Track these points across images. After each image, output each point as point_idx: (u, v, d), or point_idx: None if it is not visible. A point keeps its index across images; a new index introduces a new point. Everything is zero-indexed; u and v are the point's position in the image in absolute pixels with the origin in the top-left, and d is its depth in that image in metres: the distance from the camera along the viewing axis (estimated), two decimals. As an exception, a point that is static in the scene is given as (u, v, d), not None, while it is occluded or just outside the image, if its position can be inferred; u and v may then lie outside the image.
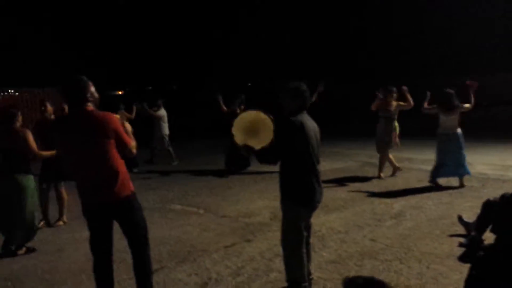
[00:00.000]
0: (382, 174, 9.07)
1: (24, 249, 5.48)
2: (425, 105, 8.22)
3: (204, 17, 26.79)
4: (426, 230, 5.78)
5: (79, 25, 23.17)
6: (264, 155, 3.79)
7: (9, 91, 14.57)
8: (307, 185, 3.79)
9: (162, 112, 11.94)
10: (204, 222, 6.57)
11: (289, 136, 3.71)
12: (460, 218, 5.72)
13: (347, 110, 21.65)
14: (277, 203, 7.03)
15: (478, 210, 5.35)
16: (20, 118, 5.57)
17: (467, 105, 7.94)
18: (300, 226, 3.84)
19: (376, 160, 9.40)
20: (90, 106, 3.57)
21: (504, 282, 3.08)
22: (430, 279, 4.33)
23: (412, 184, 8.38)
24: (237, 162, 10.40)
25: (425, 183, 8.40)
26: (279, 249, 4.95)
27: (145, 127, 11.84)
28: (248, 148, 3.79)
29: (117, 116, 3.80)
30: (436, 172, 8.14)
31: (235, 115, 9.91)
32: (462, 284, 3.63)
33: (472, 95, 8.00)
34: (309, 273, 4.08)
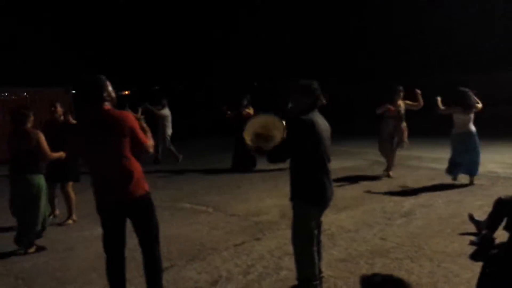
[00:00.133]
0: (391, 173, 9.03)
1: (34, 247, 5.51)
2: (440, 106, 8.02)
3: (205, 17, 26.77)
4: (436, 228, 5.74)
5: (82, 25, 23.22)
6: (274, 155, 3.78)
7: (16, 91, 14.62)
8: (318, 183, 3.77)
9: (166, 112, 11.96)
10: (213, 220, 6.57)
11: (300, 134, 3.69)
12: (470, 217, 5.68)
13: (350, 109, 21.59)
14: (286, 202, 7.03)
15: (488, 209, 5.35)
16: (31, 119, 5.61)
17: (479, 104, 7.89)
18: (311, 224, 3.82)
19: (385, 159, 9.34)
20: (107, 105, 3.59)
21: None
22: (441, 278, 4.29)
23: (422, 183, 8.33)
24: (245, 162, 10.42)
25: (435, 181, 8.36)
26: (289, 248, 4.95)
27: (149, 127, 11.85)
28: (259, 150, 3.79)
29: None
30: (450, 170, 8.09)
31: (241, 116, 10.05)
32: (473, 282, 3.60)
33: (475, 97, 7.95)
34: (320, 271, 4.07)
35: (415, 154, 11.29)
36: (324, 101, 3.92)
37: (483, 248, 4.87)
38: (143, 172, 3.73)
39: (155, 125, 11.97)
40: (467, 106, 7.77)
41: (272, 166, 10.11)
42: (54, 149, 5.73)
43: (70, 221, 6.69)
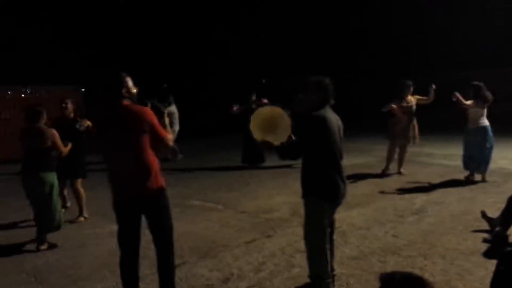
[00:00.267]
0: (402, 170, 8.98)
1: (46, 244, 5.54)
2: (463, 101, 7.77)
3: (207, 16, 26.74)
4: (449, 225, 5.70)
5: (88, 24, 23.25)
6: (285, 151, 3.76)
7: (27, 89, 14.69)
8: (330, 180, 3.74)
9: (173, 109, 11.99)
10: (223, 218, 6.57)
11: (312, 131, 3.66)
12: (483, 214, 5.63)
13: (356, 106, 21.53)
14: (296, 199, 7.02)
15: (501, 206, 5.31)
16: (45, 116, 5.64)
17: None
18: (323, 222, 3.79)
19: (395, 156, 9.28)
20: (126, 101, 3.59)
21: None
22: (455, 276, 4.26)
23: (433, 180, 8.28)
24: (253, 158, 10.43)
25: (446, 178, 8.32)
26: (300, 245, 4.94)
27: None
28: (267, 144, 3.77)
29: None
30: (466, 165, 8.04)
31: (251, 111, 10.06)
32: (487, 280, 3.57)
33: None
34: (332, 269, 4.05)
35: (426, 151, 11.23)
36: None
37: (496, 246, 4.85)
38: (160, 169, 3.73)
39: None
40: (485, 99, 7.69)
41: (281, 163, 10.13)
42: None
43: (81, 219, 6.72)
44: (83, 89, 14.96)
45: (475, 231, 5.45)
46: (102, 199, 7.70)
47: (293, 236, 5.52)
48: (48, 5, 22.75)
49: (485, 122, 7.81)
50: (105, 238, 5.82)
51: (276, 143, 3.74)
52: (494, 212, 5.54)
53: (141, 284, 3.92)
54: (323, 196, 3.76)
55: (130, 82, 3.66)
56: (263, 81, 25.75)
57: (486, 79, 8.64)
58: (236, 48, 27.29)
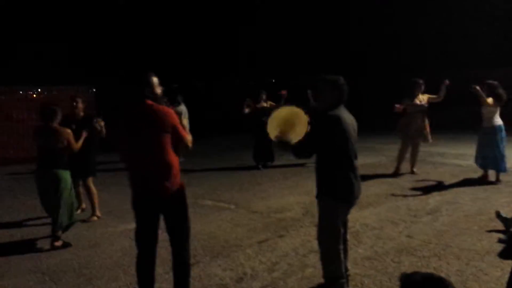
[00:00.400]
0: (415, 169, 8.91)
1: (60, 241, 5.57)
2: (483, 94, 7.54)
3: (215, 16, 26.78)
4: (463, 226, 5.65)
5: (97, 24, 23.35)
6: (300, 150, 3.74)
7: (38, 89, 14.78)
8: (345, 180, 3.72)
9: (182, 108, 12.00)
10: (236, 217, 6.56)
11: (327, 130, 3.64)
12: (498, 214, 5.58)
13: (366, 105, 21.47)
14: (308, 198, 7.03)
15: (517, 206, 5.24)
16: (60, 116, 5.69)
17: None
18: (338, 222, 3.77)
19: (407, 155, 9.21)
20: (150, 101, 3.60)
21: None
22: (470, 276, 4.22)
23: (446, 179, 8.22)
24: (262, 157, 10.42)
25: (459, 178, 8.25)
26: (313, 245, 4.93)
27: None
28: (283, 144, 3.76)
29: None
30: (479, 162, 7.97)
31: (257, 110, 10.08)
32: (503, 281, 3.54)
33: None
34: (346, 269, 4.02)
35: (439, 150, 11.15)
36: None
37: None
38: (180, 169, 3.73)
39: None
40: (500, 98, 7.61)
41: (293, 162, 10.11)
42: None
43: (94, 218, 6.75)
44: (94, 89, 15.02)
45: (490, 231, 5.40)
46: (115, 199, 7.77)
47: (306, 236, 5.51)
48: (60, 4, 22.84)
49: (499, 121, 7.74)
50: (118, 237, 5.84)
51: (293, 141, 3.73)
52: (509, 212, 5.49)
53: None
54: (338, 196, 3.73)
55: (155, 82, 3.67)
56: (273, 80, 25.71)
57: (500, 78, 8.55)
58: (245, 47, 27.29)
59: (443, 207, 6.48)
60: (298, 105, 3.97)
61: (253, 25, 26.66)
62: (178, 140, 3.64)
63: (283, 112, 3.97)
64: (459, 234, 5.34)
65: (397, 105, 8.53)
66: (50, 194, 5.55)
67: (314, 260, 4.65)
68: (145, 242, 3.71)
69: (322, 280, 4.00)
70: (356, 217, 6.06)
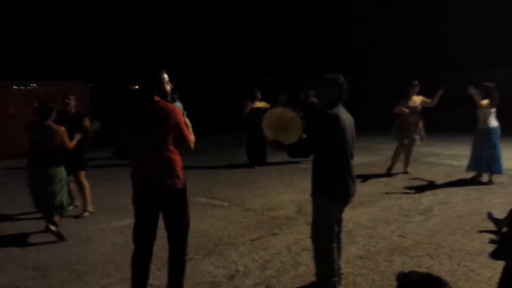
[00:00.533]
0: (408, 169, 8.94)
1: (55, 227, 5.59)
2: (478, 97, 7.60)
3: (215, 14, 26.75)
4: (455, 226, 5.67)
5: (96, 21, 23.26)
6: (297, 149, 3.75)
7: (32, 85, 14.69)
8: (341, 180, 3.72)
9: (178, 105, 11.98)
10: (229, 215, 6.55)
11: (325, 129, 3.64)
12: (489, 215, 5.60)
13: (362, 105, 21.51)
14: (302, 197, 7.03)
15: (508, 206, 5.27)
16: (55, 113, 5.68)
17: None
18: (332, 221, 3.78)
19: (401, 155, 9.23)
20: (157, 97, 3.58)
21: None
22: (462, 276, 4.24)
23: (439, 179, 8.24)
24: (255, 156, 10.40)
25: (452, 178, 8.28)
26: (306, 243, 4.94)
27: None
28: (278, 143, 3.77)
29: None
30: (471, 166, 8.00)
31: (258, 110, 10.04)
32: (494, 281, 3.55)
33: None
34: (339, 268, 4.03)
35: (433, 151, 11.18)
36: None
37: (503, 247, 4.81)
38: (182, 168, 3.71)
39: None
40: (495, 100, 7.64)
41: (287, 160, 10.10)
42: None
43: (86, 213, 6.71)
44: (90, 85, 14.97)
45: (482, 231, 5.42)
46: (108, 196, 7.75)
47: (299, 234, 5.51)
48: (60, 4, 22.73)
49: (495, 122, 7.77)
50: (111, 234, 5.83)
51: (287, 143, 3.74)
52: (501, 213, 5.51)
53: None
54: (333, 195, 3.74)
55: (165, 79, 3.66)
56: (270, 79, 25.68)
57: (497, 80, 8.59)
58: (245, 47, 27.26)
59: (436, 207, 6.51)
60: (293, 109, 3.97)
61: (253, 25, 26.64)
62: (180, 140, 3.62)
63: (278, 113, 3.97)
64: (451, 234, 5.36)
65: (402, 108, 8.53)
66: (44, 190, 5.54)
67: (307, 258, 4.66)
68: (143, 238, 3.70)
69: (314, 278, 4.01)
70: (349, 216, 6.05)
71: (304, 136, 3.79)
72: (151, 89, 3.59)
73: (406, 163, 8.99)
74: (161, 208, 3.67)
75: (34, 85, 14.43)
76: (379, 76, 22.38)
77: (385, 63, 23.70)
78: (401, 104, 8.58)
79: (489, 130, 7.73)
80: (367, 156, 10.91)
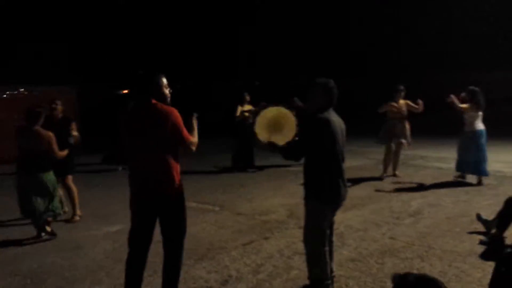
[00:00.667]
0: (397, 172, 9.00)
1: (48, 229, 5.64)
2: (459, 105, 7.82)
3: (212, 17, 26.71)
4: (445, 228, 5.72)
5: (91, 23, 23.08)
6: (289, 152, 3.76)
7: (21, 89, 14.54)
8: (332, 183, 3.74)
9: None
10: (220, 219, 6.54)
11: (315, 133, 3.66)
12: (478, 217, 5.66)
13: (351, 108, 21.58)
14: (292, 200, 7.05)
15: (496, 208, 5.34)
16: (43, 119, 5.65)
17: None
18: (323, 225, 3.79)
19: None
20: (154, 100, 3.57)
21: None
22: (453, 277, 4.28)
23: (428, 182, 8.31)
24: (242, 161, 10.38)
25: (441, 180, 8.35)
26: (298, 247, 4.95)
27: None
28: (272, 145, 3.78)
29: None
30: (459, 167, 8.09)
31: (244, 114, 10.01)
32: (485, 281, 3.59)
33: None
34: (331, 271, 4.05)
35: (420, 154, 11.27)
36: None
37: (493, 248, 4.87)
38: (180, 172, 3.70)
39: None
40: (480, 104, 7.75)
41: (277, 163, 10.12)
42: None
43: (76, 218, 6.67)
44: (78, 89, 14.88)
45: (472, 233, 5.48)
46: (98, 201, 7.70)
47: (291, 237, 5.52)
48: (60, 4, 22.56)
49: (481, 125, 7.87)
50: (101, 240, 5.79)
51: (282, 143, 3.75)
52: (490, 215, 5.57)
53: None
54: (324, 199, 3.76)
55: (163, 83, 3.65)
56: (257, 83, 25.69)
57: (484, 82, 8.71)
58: (245, 48, 27.23)
59: (425, 209, 6.56)
60: (286, 107, 3.98)
61: (253, 25, 26.63)
62: (179, 142, 3.61)
63: (271, 112, 3.98)
64: (441, 236, 5.41)
65: (384, 106, 8.63)
66: (34, 196, 5.52)
67: (299, 262, 4.66)
68: (138, 242, 3.68)
69: (307, 282, 4.02)
70: (340, 218, 6.07)
71: (297, 138, 3.81)
72: (148, 92, 3.58)
73: (395, 166, 9.05)
74: (158, 213, 3.65)
75: (21, 89, 14.29)
76: (379, 76, 22.42)
77: (385, 63, 23.77)
78: (388, 104, 8.67)
79: (475, 133, 7.84)
80: (356, 159, 10.96)
